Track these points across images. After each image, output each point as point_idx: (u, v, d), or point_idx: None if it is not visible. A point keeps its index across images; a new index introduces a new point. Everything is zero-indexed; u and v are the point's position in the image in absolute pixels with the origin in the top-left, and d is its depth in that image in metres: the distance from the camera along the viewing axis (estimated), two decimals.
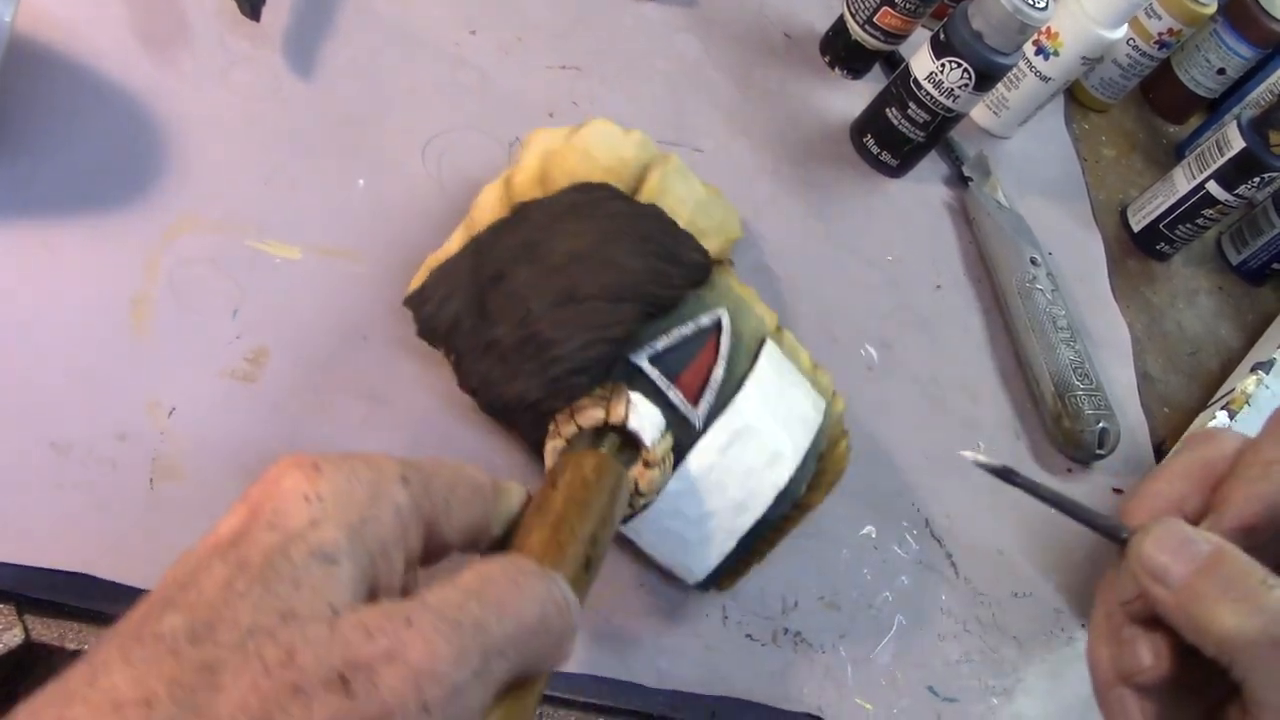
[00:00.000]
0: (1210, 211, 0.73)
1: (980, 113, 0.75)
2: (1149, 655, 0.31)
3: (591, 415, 0.40)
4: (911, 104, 0.63)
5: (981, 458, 0.35)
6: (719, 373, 0.43)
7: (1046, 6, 0.58)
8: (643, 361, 0.42)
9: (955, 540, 0.55)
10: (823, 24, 0.71)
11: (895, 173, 0.67)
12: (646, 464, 0.40)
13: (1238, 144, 0.70)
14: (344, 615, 0.24)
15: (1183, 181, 0.73)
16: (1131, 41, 0.78)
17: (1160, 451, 0.65)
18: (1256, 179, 0.70)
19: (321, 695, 0.22)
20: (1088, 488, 0.61)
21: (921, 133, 0.64)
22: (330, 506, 0.26)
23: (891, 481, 0.55)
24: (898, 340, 0.60)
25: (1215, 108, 0.88)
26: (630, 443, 0.40)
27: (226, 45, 0.50)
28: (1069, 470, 0.61)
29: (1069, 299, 0.66)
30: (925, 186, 0.69)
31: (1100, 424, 0.60)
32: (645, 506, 0.42)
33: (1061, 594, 0.56)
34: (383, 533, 0.26)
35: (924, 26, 0.71)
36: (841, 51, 0.69)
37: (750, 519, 0.42)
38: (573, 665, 0.42)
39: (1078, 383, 0.61)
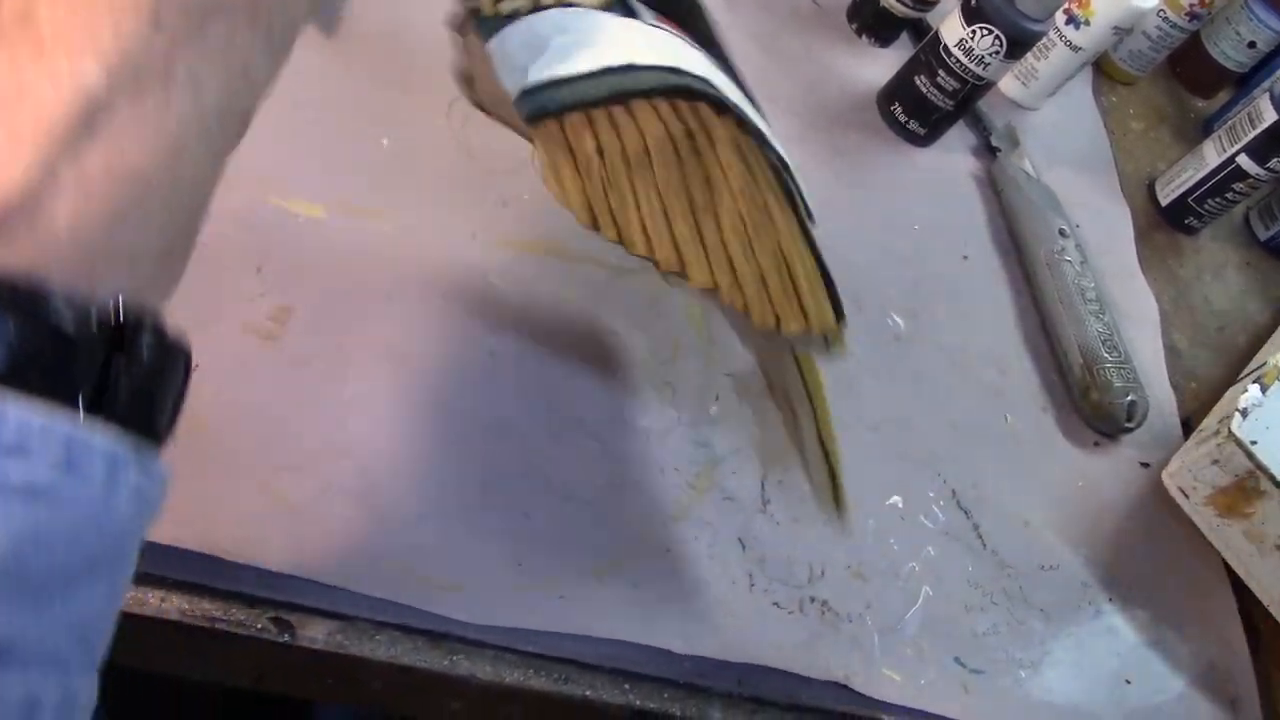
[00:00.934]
0: (1240, 185, 0.71)
1: (1009, 83, 0.74)
2: None
3: None
4: (941, 72, 0.62)
5: None
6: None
7: None
8: None
9: (982, 511, 0.54)
10: None
11: (923, 142, 0.66)
12: None
13: (1270, 116, 0.68)
14: None
15: (1213, 155, 0.72)
16: (1162, 13, 0.77)
17: (1187, 426, 0.64)
18: None
19: None
20: (1115, 461, 0.60)
21: (950, 101, 0.63)
22: None
23: (918, 452, 0.54)
24: (924, 310, 0.59)
25: (1243, 83, 0.86)
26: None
27: None
28: (1096, 444, 0.60)
29: (1096, 271, 0.65)
30: (953, 156, 0.68)
31: (1129, 397, 0.59)
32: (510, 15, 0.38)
33: (1089, 567, 0.55)
34: None
35: None
36: (869, 18, 0.68)
37: (623, 54, 0.37)
38: (598, 630, 0.42)
39: (1106, 355, 0.60)
